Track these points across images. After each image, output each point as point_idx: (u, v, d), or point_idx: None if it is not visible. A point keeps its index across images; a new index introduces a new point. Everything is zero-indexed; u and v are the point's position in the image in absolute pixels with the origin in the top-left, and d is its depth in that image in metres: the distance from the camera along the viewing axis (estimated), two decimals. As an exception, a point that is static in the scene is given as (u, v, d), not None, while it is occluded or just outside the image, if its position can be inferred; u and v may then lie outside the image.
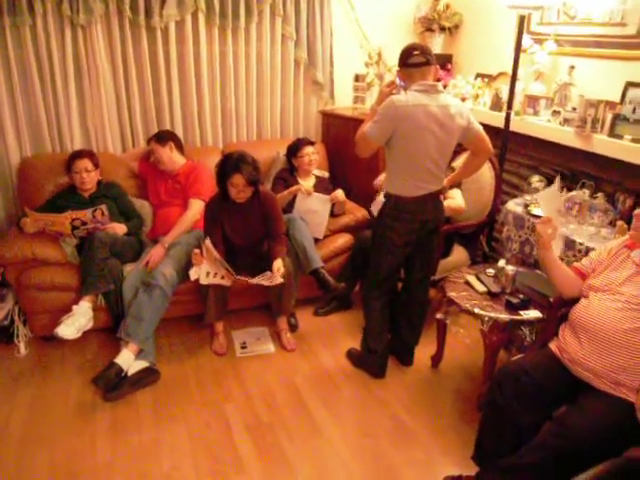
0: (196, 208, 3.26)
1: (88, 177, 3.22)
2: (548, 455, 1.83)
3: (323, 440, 2.49)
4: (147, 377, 2.81)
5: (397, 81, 2.61)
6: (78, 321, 2.83)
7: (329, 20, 3.97)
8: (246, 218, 3.00)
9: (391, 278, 2.82)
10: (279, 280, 2.85)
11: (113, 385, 2.68)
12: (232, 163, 2.82)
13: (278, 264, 2.90)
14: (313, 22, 3.91)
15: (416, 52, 2.48)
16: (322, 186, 3.59)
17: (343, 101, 4.24)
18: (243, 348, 3.15)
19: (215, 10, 3.62)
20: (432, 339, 2.98)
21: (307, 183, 3.56)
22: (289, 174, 3.60)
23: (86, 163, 3.22)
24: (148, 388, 2.79)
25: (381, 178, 2.76)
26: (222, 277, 2.90)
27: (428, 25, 4.11)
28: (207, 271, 2.86)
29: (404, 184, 2.55)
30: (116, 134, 3.69)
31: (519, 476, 1.91)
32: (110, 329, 3.05)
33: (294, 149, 3.60)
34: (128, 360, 2.75)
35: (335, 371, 2.98)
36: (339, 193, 3.48)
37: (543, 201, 2.53)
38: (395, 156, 2.53)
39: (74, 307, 2.87)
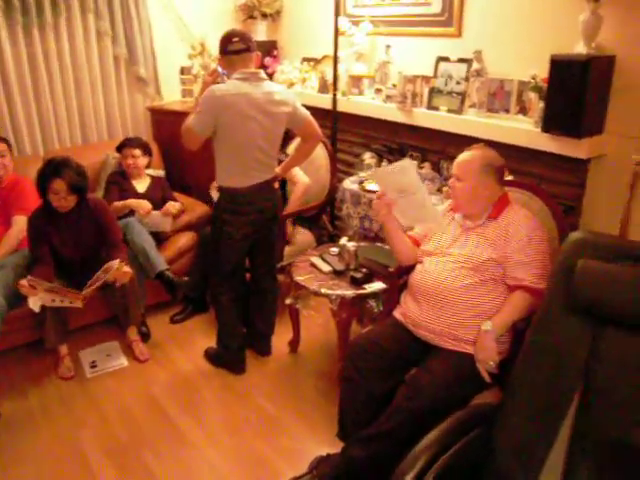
0: (20, 225, 2.94)
1: None
2: (404, 418, 1.89)
3: (189, 448, 2.39)
4: (-16, 420, 2.52)
5: (219, 69, 2.54)
6: None
7: (146, 13, 3.79)
8: (76, 229, 2.78)
9: (236, 272, 2.76)
10: (117, 264, 2.64)
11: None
12: (52, 167, 2.62)
13: (114, 262, 2.67)
14: (129, 16, 3.71)
15: (235, 39, 2.43)
16: (158, 186, 3.44)
17: (172, 96, 4.08)
18: (93, 367, 2.93)
19: (15, 5, 3.28)
20: (287, 325, 2.99)
21: (141, 185, 3.39)
22: (121, 177, 3.38)
23: None
24: (-14, 432, 2.50)
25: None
26: (70, 302, 2.64)
27: (249, 12, 4.09)
28: (52, 298, 2.60)
29: (235, 175, 2.51)
30: None
31: (381, 443, 1.94)
32: None
33: (118, 151, 3.41)
34: (-42, 405, 2.45)
35: (194, 374, 2.88)
36: (174, 206, 3.35)
37: (378, 180, 2.60)
38: (222, 147, 2.47)
39: None
